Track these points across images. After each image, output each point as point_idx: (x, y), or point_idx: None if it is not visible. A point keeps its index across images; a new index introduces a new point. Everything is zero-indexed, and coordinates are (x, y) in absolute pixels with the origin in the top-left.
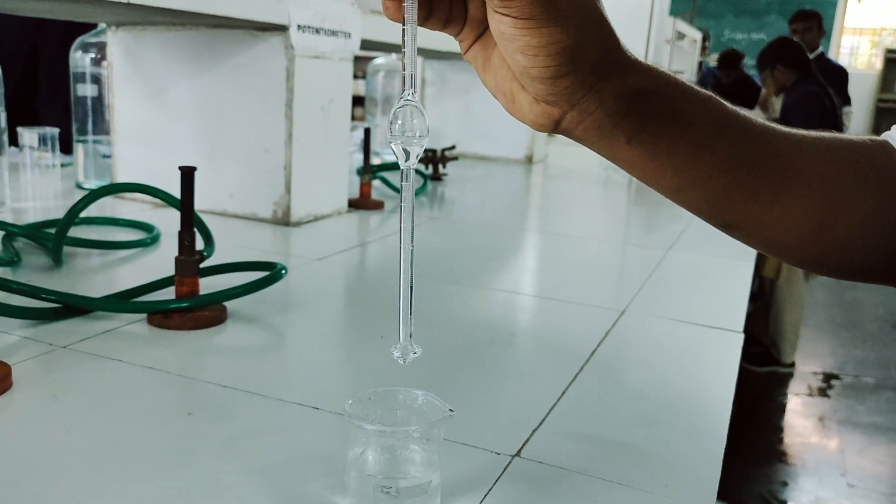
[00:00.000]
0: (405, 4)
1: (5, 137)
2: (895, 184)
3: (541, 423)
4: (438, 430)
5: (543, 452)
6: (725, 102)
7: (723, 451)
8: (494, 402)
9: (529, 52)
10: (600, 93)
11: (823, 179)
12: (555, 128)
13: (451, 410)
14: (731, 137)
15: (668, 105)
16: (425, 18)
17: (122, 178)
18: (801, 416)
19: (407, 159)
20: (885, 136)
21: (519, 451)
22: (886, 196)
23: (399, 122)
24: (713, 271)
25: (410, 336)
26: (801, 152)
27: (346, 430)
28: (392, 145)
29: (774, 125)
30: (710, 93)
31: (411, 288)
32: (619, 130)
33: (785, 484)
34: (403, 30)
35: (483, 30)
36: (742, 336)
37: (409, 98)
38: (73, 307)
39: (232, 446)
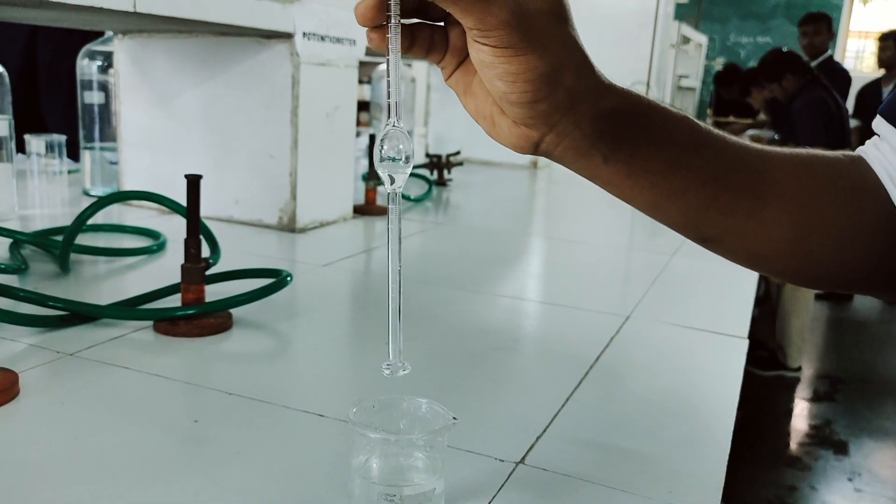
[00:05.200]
0: (388, 35)
1: (13, 145)
2: (867, 198)
3: (545, 430)
4: (442, 437)
5: (547, 459)
6: (699, 122)
7: (727, 457)
8: (498, 409)
9: (508, 79)
10: (576, 115)
11: (797, 194)
12: (534, 149)
13: (454, 418)
14: (706, 154)
15: (643, 125)
16: (408, 48)
17: (128, 184)
18: (808, 421)
19: (392, 183)
20: (859, 150)
21: (523, 458)
22: (859, 210)
23: (385, 147)
24: (718, 277)
25: (400, 353)
26: (776, 168)
27: (351, 437)
28: (378, 171)
29: (748, 143)
30: (684, 112)
31: (399, 306)
32: (595, 150)
33: (792, 489)
34: (387, 59)
35: (464, 57)
36: (746, 342)
37: (395, 124)
38: (80, 315)
39: (237, 453)
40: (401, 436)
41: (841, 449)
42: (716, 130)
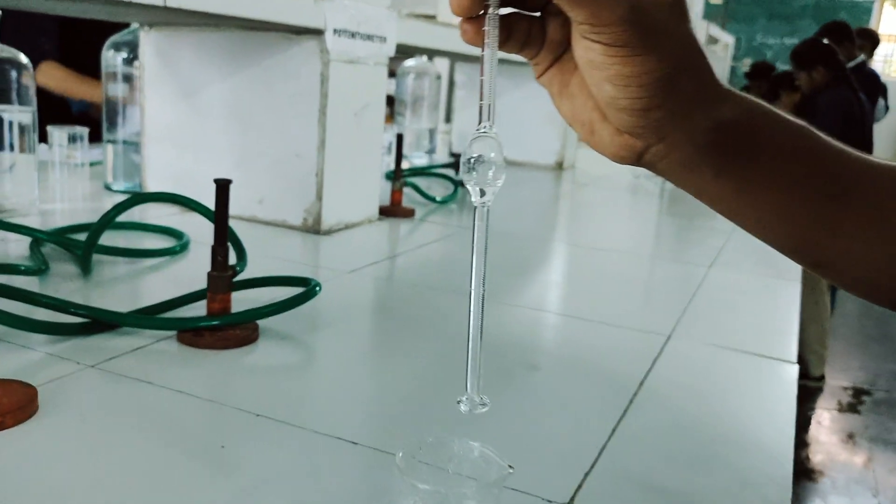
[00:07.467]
0: (485, 29)
1: (36, 136)
2: None
3: (593, 466)
4: (497, 489)
5: (599, 500)
6: (818, 132)
7: (789, 500)
8: (539, 440)
9: (620, 82)
10: (691, 125)
11: None
12: (636, 160)
13: (510, 467)
14: (824, 171)
15: (760, 138)
16: (504, 41)
17: (151, 180)
18: (830, 432)
19: (482, 196)
20: None
21: (572, 499)
22: None
23: (474, 155)
24: (758, 291)
25: (479, 387)
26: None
27: (397, 481)
28: (467, 184)
29: (869, 156)
30: (802, 122)
31: (480, 334)
32: (706, 165)
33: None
34: (482, 56)
35: (561, 53)
36: (796, 367)
37: (485, 130)
38: (101, 322)
39: (265, 481)
40: (453, 489)
41: (865, 462)
42: (835, 143)
